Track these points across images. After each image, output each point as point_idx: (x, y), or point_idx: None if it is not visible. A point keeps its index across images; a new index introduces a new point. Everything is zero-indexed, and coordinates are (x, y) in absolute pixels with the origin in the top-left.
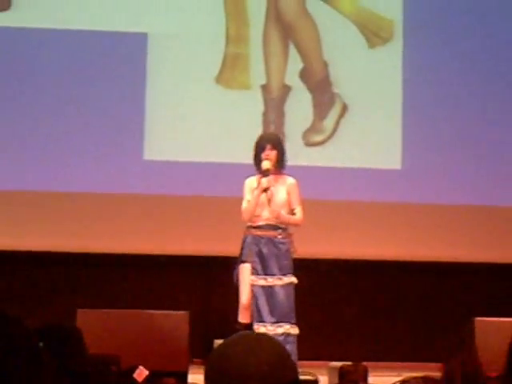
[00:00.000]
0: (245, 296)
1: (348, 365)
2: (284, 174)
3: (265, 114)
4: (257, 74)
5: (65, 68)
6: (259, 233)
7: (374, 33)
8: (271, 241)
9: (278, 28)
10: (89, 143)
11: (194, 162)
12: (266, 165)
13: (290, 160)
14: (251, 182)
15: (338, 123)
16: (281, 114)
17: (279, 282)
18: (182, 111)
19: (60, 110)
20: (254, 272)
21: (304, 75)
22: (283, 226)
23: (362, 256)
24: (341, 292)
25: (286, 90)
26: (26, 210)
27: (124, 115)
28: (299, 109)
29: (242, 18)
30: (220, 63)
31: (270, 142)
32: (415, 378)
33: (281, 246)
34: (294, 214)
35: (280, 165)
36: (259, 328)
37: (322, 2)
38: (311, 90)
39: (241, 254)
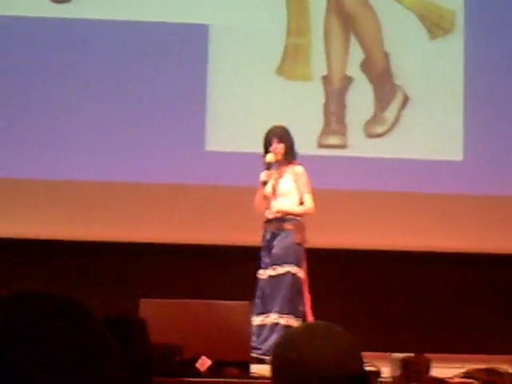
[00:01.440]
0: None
1: (410, 356)
2: (295, 163)
3: (326, 106)
4: (318, 65)
5: (126, 59)
6: (266, 226)
7: (435, 24)
8: (274, 233)
9: (339, 19)
10: (151, 134)
11: (255, 153)
12: (267, 158)
13: (352, 151)
14: (262, 175)
15: (399, 114)
16: (342, 106)
17: (272, 272)
18: (243, 103)
19: (122, 102)
20: (262, 266)
21: (365, 66)
22: (290, 217)
23: (425, 247)
24: (405, 283)
25: (347, 81)
26: (89, 199)
27: (186, 106)
28: (360, 100)
29: (303, 9)
30: (281, 55)
31: (277, 136)
32: (478, 369)
33: (281, 236)
34: (302, 203)
35: (289, 156)
36: (253, 320)
37: None
38: (372, 81)
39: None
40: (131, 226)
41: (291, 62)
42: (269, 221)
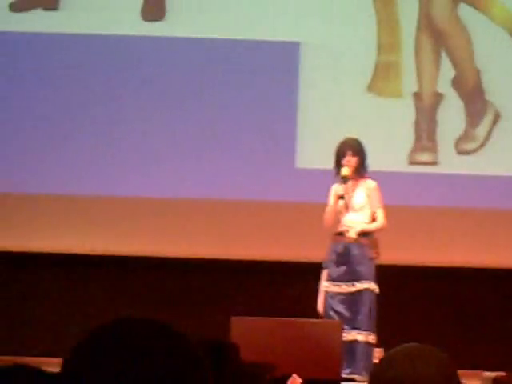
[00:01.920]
0: (319, 303)
1: (502, 375)
2: (366, 177)
3: (417, 122)
4: (409, 81)
5: (219, 77)
6: (338, 239)
7: None
8: (347, 246)
9: (430, 35)
10: (242, 151)
11: None
12: (344, 171)
13: (443, 168)
14: (336, 189)
15: (490, 131)
16: (433, 122)
17: (352, 289)
18: (334, 119)
19: (213, 118)
20: (329, 278)
21: (456, 83)
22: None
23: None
24: (497, 300)
25: (438, 97)
26: (182, 216)
27: (277, 123)
28: (451, 117)
29: (393, 25)
30: (372, 71)
31: (351, 148)
32: None
33: (356, 251)
34: (374, 218)
35: (361, 170)
36: None
37: (473, 9)
38: (463, 97)
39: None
40: (219, 243)
41: (382, 79)
42: (340, 234)
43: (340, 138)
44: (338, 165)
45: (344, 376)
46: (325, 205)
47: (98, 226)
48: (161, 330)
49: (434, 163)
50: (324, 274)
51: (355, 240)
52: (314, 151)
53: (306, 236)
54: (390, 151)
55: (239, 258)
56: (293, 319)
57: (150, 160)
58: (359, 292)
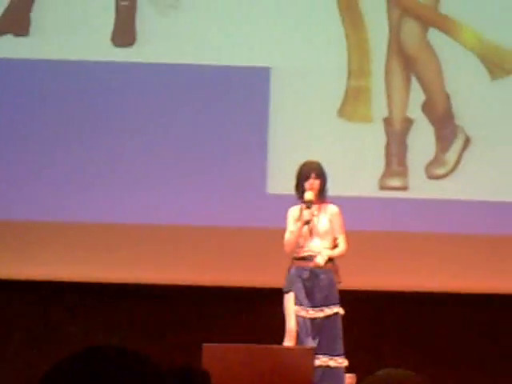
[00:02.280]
0: (292, 323)
1: None
2: (327, 202)
3: (387, 147)
4: (379, 107)
5: (187, 102)
6: (302, 264)
7: (496, 65)
8: (313, 272)
9: (400, 60)
10: (213, 177)
11: None
12: (308, 196)
13: (414, 193)
14: (294, 212)
15: (460, 156)
16: (403, 147)
17: (321, 314)
18: (304, 144)
19: (184, 145)
20: (297, 302)
21: (426, 108)
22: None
23: (492, 290)
24: (469, 327)
25: (409, 123)
26: (150, 243)
27: (247, 149)
28: (421, 142)
29: (363, 51)
30: (342, 96)
31: (315, 171)
32: None
33: (323, 276)
34: (336, 243)
35: (323, 194)
36: None
37: (443, 35)
38: (433, 122)
39: (285, 284)
40: (191, 270)
41: (352, 104)
42: (302, 259)
43: None
44: (300, 188)
45: None
46: None
47: (69, 253)
48: (131, 358)
49: (404, 188)
50: (289, 297)
51: (322, 266)
52: (285, 176)
53: (278, 262)
54: (360, 176)
55: (210, 284)
56: (264, 346)
57: (116, 186)
58: (330, 317)
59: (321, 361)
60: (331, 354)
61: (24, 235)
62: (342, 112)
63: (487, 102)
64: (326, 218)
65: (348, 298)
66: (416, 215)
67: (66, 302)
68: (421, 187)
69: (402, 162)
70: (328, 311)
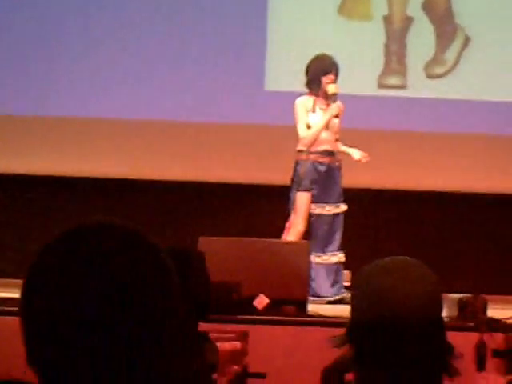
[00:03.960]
0: (302, 224)
1: (467, 297)
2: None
3: (386, 46)
4: (379, 4)
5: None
6: (318, 159)
7: None
8: (330, 167)
9: None
10: (211, 74)
11: None
12: (333, 89)
13: (412, 91)
14: (306, 103)
15: (460, 55)
16: (402, 46)
17: (337, 210)
18: (304, 42)
19: (182, 41)
20: (314, 200)
21: (426, 6)
22: (336, 152)
23: (484, 189)
24: (462, 224)
25: (408, 21)
26: (148, 138)
27: (246, 46)
28: (421, 40)
29: None
30: None
31: (335, 67)
32: None
33: (337, 173)
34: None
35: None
36: (314, 258)
37: None
38: (433, 21)
39: (300, 181)
40: (191, 165)
41: (352, 2)
42: (317, 153)
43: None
44: (317, 80)
45: (331, 299)
46: (293, 127)
47: (62, 147)
48: (130, 235)
49: (403, 87)
50: (305, 195)
51: (337, 161)
52: (284, 74)
53: (276, 158)
54: (359, 74)
55: (209, 180)
56: (260, 239)
57: (114, 80)
58: (339, 214)
59: (338, 257)
60: (334, 250)
61: (7, 129)
62: (342, 10)
63: (487, 1)
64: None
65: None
66: (414, 114)
67: (59, 195)
68: (419, 86)
69: (402, 60)
70: (343, 207)
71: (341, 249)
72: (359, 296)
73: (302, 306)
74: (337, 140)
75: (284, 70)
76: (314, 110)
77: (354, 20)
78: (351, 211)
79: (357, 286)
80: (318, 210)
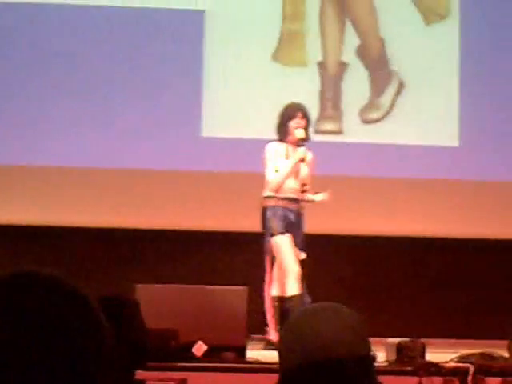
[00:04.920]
0: (296, 265)
1: (405, 341)
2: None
3: (322, 91)
4: (313, 51)
5: (121, 45)
6: (289, 205)
7: (430, 9)
8: (298, 214)
9: (334, 4)
10: (147, 122)
11: (251, 139)
12: (301, 134)
13: (348, 137)
14: (277, 148)
15: (394, 100)
16: (338, 91)
17: (303, 256)
18: (239, 89)
19: (116, 88)
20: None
21: (361, 52)
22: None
23: (422, 233)
24: (399, 269)
25: (343, 66)
26: (85, 186)
27: (182, 93)
28: (356, 86)
29: None
30: (277, 41)
31: (301, 111)
32: (473, 354)
33: (302, 219)
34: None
35: (307, 136)
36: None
37: None
38: (368, 67)
39: (274, 225)
40: (126, 213)
41: (287, 48)
42: (287, 199)
43: (246, 107)
44: (284, 127)
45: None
46: (230, 174)
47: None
48: (58, 285)
49: (338, 132)
50: (285, 238)
51: (302, 208)
52: (220, 120)
53: (212, 205)
54: None
55: (145, 227)
56: (197, 286)
57: (44, 128)
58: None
59: None
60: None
61: None
62: (277, 56)
63: (421, 46)
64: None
65: None
66: (350, 159)
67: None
68: (355, 131)
69: (337, 106)
70: (303, 255)
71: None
72: (287, 344)
73: (240, 352)
74: (304, 191)
75: (220, 117)
76: (287, 157)
77: (289, 66)
78: None
79: (284, 334)
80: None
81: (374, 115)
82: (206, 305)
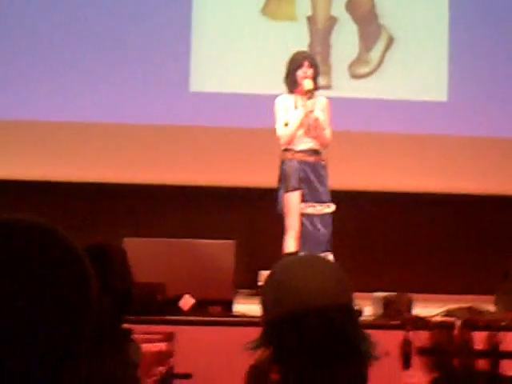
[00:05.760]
0: (298, 224)
1: (392, 295)
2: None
3: (311, 46)
4: (303, 5)
5: (110, 1)
6: (305, 158)
7: None
8: (316, 166)
9: None
10: (135, 76)
11: (239, 94)
12: (309, 84)
13: (337, 91)
14: (285, 101)
15: (384, 55)
16: (327, 46)
17: (328, 210)
18: (228, 43)
19: (105, 42)
20: (303, 199)
21: (350, 6)
22: (323, 150)
23: (406, 188)
24: (386, 224)
25: (332, 21)
26: (72, 140)
27: (170, 48)
28: (345, 40)
29: None
30: None
31: (308, 59)
32: (460, 308)
33: (323, 172)
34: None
35: (315, 84)
36: None
37: None
38: (357, 21)
39: (287, 181)
40: (114, 167)
41: (276, 2)
42: (302, 151)
43: (235, 62)
44: (292, 76)
45: None
46: (218, 128)
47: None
48: (42, 231)
49: (327, 87)
50: (294, 195)
51: (321, 160)
52: (209, 75)
53: (201, 160)
54: (283, 75)
55: (134, 181)
56: (185, 240)
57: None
58: (328, 214)
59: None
60: (330, 250)
61: None
62: (266, 10)
63: (411, 2)
64: (319, 109)
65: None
66: (339, 113)
67: None
68: (344, 86)
69: (326, 60)
70: (332, 207)
71: (330, 249)
72: (269, 295)
73: (227, 306)
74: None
75: (209, 72)
76: (296, 107)
77: (277, 20)
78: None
79: (266, 286)
80: (309, 209)
81: (363, 70)
82: (193, 259)
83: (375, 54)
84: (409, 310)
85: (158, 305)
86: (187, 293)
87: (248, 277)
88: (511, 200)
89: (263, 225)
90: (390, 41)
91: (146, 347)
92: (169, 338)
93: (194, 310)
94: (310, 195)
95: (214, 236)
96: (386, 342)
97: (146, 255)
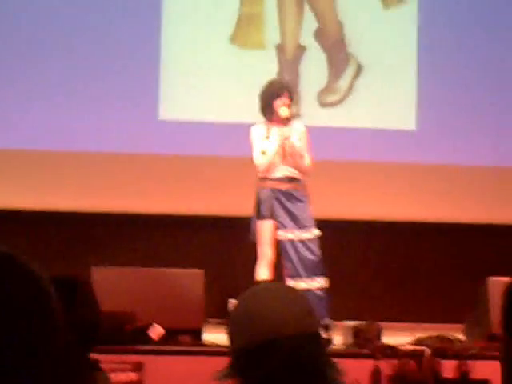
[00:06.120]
0: (270, 252)
1: (362, 324)
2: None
3: (279, 74)
4: (271, 34)
5: (77, 26)
6: (279, 186)
7: None
8: (291, 193)
9: None
10: (103, 103)
11: (208, 122)
12: (285, 112)
13: (306, 120)
14: (259, 130)
15: (352, 84)
16: (295, 75)
17: (310, 235)
18: (197, 71)
19: (75, 69)
20: (281, 226)
21: (319, 35)
22: (300, 178)
23: (377, 217)
24: (355, 253)
25: (301, 50)
26: (40, 169)
27: (139, 76)
28: (314, 69)
29: None
30: (235, 23)
31: (287, 89)
32: (429, 337)
33: (302, 198)
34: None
35: (291, 114)
36: (297, 283)
37: None
38: (326, 50)
39: (259, 209)
40: (81, 196)
41: (244, 31)
42: (276, 180)
43: (204, 90)
44: (269, 106)
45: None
46: (186, 157)
47: None
48: (12, 264)
49: (296, 115)
50: (265, 224)
51: (298, 187)
52: (176, 102)
53: (168, 188)
54: (252, 103)
55: (102, 210)
56: (154, 269)
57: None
58: (316, 238)
59: (317, 282)
60: (318, 274)
61: None
62: (235, 38)
63: (379, 30)
64: (296, 136)
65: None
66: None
67: None
68: (313, 114)
69: (295, 89)
70: (315, 232)
71: (321, 274)
72: (236, 324)
73: (197, 335)
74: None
75: (178, 100)
76: (267, 137)
77: (246, 49)
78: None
79: (233, 315)
80: (289, 235)
81: (332, 98)
82: (162, 288)
83: (344, 82)
84: (378, 338)
85: (127, 334)
86: (156, 322)
87: (218, 305)
88: (479, 228)
89: (233, 253)
90: (359, 69)
91: (116, 377)
92: (138, 367)
93: (164, 339)
94: (289, 222)
95: (184, 265)
96: (357, 370)
97: (115, 284)
